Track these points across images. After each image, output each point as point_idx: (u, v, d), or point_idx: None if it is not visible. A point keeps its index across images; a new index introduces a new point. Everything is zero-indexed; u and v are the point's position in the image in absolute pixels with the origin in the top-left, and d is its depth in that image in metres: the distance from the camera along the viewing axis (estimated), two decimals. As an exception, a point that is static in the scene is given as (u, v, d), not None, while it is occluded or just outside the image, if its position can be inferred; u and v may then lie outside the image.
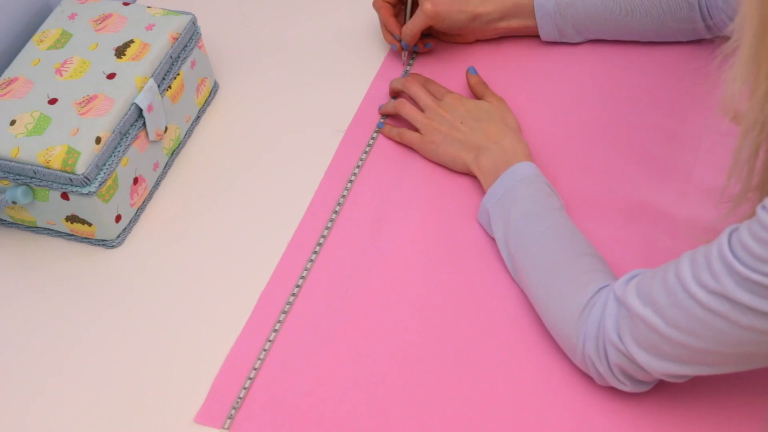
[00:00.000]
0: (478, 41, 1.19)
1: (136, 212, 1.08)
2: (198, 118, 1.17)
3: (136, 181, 1.05)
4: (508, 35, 1.18)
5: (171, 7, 1.15)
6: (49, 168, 0.98)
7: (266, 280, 1.01)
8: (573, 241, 0.91)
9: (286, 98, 1.18)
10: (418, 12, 1.13)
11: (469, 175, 1.05)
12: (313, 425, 0.89)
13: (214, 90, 1.19)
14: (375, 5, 1.17)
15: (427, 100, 1.09)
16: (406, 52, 1.17)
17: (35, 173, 0.99)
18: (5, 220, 1.08)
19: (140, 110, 1.04)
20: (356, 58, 1.22)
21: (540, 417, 0.88)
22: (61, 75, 1.06)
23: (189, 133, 1.15)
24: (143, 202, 1.08)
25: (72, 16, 1.12)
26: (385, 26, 1.18)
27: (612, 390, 0.88)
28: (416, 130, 1.09)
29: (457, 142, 1.05)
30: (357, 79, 1.19)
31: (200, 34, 1.13)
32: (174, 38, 1.09)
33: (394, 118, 1.14)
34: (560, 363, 0.90)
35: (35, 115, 1.02)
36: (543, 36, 1.16)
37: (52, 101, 1.03)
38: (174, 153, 1.13)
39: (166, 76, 1.08)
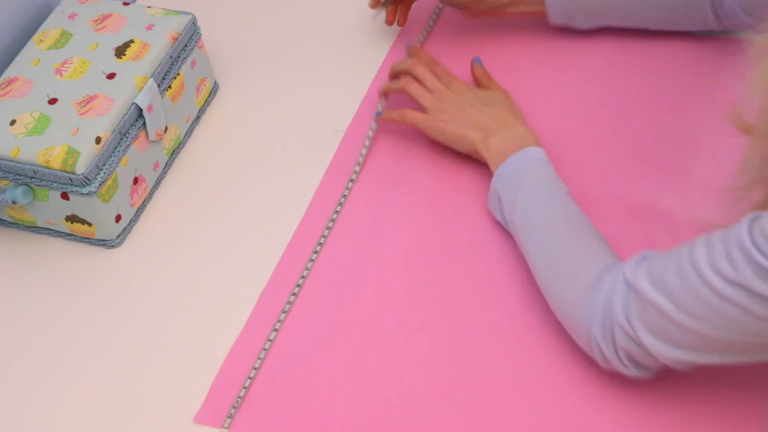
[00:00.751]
0: (485, 20, 1.17)
1: (136, 212, 1.08)
2: (198, 118, 1.17)
3: (136, 181, 1.05)
4: (516, 20, 1.17)
5: (171, 7, 1.15)
6: (49, 168, 0.98)
7: (266, 280, 1.01)
8: (579, 223, 0.91)
9: (286, 98, 1.18)
10: None
11: (475, 161, 1.05)
12: (312, 425, 0.89)
13: (214, 90, 1.19)
14: None
15: (435, 83, 1.08)
16: (385, 11, 1.17)
17: (35, 173, 0.99)
18: (5, 220, 1.08)
19: (140, 110, 1.04)
20: (356, 58, 1.22)
21: (543, 417, 0.88)
22: (61, 75, 1.06)
23: (189, 133, 1.15)
24: (143, 202, 1.08)
25: (72, 16, 1.12)
26: None
27: (614, 389, 0.88)
28: (422, 110, 1.08)
29: (466, 123, 1.04)
30: (357, 79, 1.19)
31: (200, 34, 1.13)
32: (174, 38, 1.09)
33: (394, 101, 1.13)
34: (565, 363, 0.90)
35: (35, 115, 1.02)
36: (551, 20, 1.15)
37: (52, 101, 1.03)
38: (174, 153, 1.13)
39: (166, 76, 1.08)
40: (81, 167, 0.98)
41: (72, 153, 0.98)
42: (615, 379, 0.87)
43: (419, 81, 1.09)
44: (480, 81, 1.12)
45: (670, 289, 0.76)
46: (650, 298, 0.77)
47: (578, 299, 0.85)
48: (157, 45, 1.07)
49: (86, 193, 0.98)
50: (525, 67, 1.16)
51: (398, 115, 1.09)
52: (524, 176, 0.96)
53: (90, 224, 1.03)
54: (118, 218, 1.04)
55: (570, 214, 0.92)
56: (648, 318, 0.78)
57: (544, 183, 0.95)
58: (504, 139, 1.00)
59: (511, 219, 0.96)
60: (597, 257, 0.87)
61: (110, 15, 1.12)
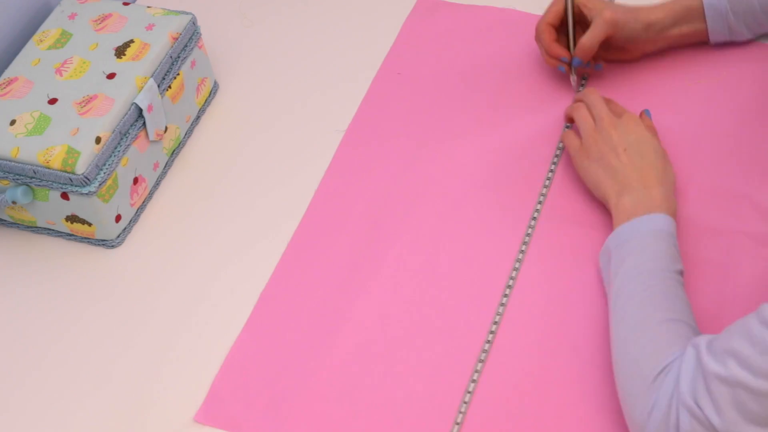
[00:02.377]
0: (644, 56, 1.14)
1: (136, 212, 1.08)
2: (198, 118, 1.17)
3: (136, 181, 1.05)
4: (676, 44, 1.13)
5: (171, 7, 1.15)
6: (49, 168, 0.98)
7: (266, 280, 1.01)
8: (675, 305, 0.85)
9: (286, 98, 1.19)
10: (597, 22, 1.07)
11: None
12: (312, 425, 0.89)
13: (214, 90, 1.19)
14: (537, 29, 1.11)
15: (602, 112, 1.02)
16: (576, 76, 1.12)
17: (35, 173, 0.99)
18: (5, 220, 1.08)
19: (140, 110, 1.04)
20: (356, 58, 1.22)
21: None
22: (61, 75, 1.06)
23: (189, 133, 1.15)
24: (143, 202, 1.08)
25: (72, 16, 1.12)
26: (548, 51, 1.11)
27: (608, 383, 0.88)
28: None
29: (609, 169, 0.98)
30: (357, 79, 1.19)
31: (200, 34, 1.13)
32: (174, 38, 1.09)
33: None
34: None
35: (35, 115, 1.02)
36: (713, 38, 1.12)
37: (52, 101, 1.03)
38: (174, 153, 1.13)
39: (166, 76, 1.08)
40: (81, 167, 0.98)
41: (72, 153, 0.98)
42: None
43: (589, 107, 1.04)
44: None
45: (742, 357, 0.71)
46: (719, 373, 0.73)
47: (644, 382, 0.80)
48: (157, 45, 1.08)
49: (86, 193, 0.99)
50: (692, 80, 1.13)
51: (562, 134, 1.06)
52: (638, 243, 0.91)
53: (90, 224, 1.03)
54: (118, 218, 1.04)
55: (668, 295, 0.86)
56: (718, 394, 0.73)
57: (655, 255, 0.89)
58: (635, 201, 0.94)
59: (613, 283, 0.90)
60: (676, 342, 0.81)
61: (110, 15, 1.12)
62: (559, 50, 1.10)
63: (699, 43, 1.13)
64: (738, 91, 1.11)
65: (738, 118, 1.08)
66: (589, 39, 1.08)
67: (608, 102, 1.06)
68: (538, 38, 1.13)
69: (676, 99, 1.11)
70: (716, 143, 1.06)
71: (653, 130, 1.03)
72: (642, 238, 0.91)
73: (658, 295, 0.86)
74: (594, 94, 1.05)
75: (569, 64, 1.11)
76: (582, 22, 1.11)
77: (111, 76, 1.05)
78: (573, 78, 1.12)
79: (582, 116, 1.04)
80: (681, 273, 0.90)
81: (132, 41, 1.08)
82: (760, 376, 0.71)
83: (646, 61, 1.14)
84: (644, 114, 1.05)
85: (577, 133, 1.04)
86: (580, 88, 1.13)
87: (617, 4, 1.09)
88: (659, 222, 0.92)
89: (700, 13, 1.10)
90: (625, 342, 0.84)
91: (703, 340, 0.77)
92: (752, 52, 1.14)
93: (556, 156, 1.07)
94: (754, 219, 0.99)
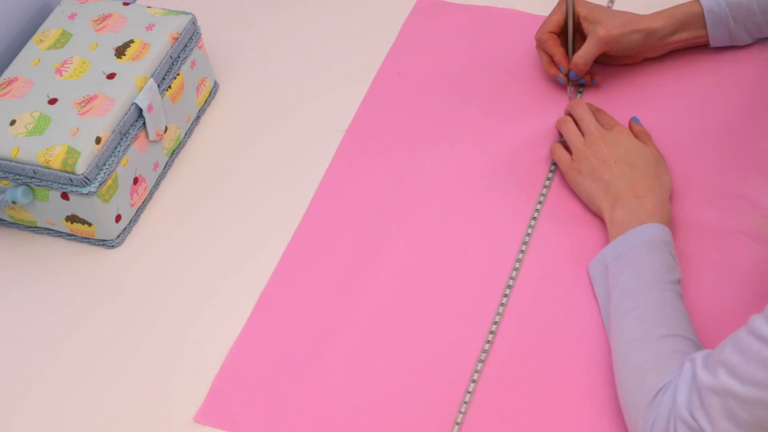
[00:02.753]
0: (645, 60, 1.14)
1: (136, 212, 1.08)
2: (198, 118, 1.17)
3: (136, 181, 1.05)
4: (677, 49, 1.13)
5: (171, 7, 1.16)
6: (49, 168, 0.98)
7: (266, 280, 1.01)
8: (673, 319, 0.86)
9: (286, 98, 1.19)
10: (591, 39, 1.08)
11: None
12: (312, 425, 0.89)
13: (214, 90, 1.19)
14: (539, 38, 1.12)
15: (590, 126, 1.02)
16: (572, 87, 1.12)
17: (35, 173, 0.99)
18: (5, 220, 1.08)
19: (140, 110, 1.04)
20: (356, 58, 1.22)
21: None
22: (61, 75, 1.06)
23: (189, 133, 1.15)
24: (143, 202, 1.09)
25: (72, 16, 1.12)
26: (550, 59, 1.12)
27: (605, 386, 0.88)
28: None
29: (601, 182, 0.99)
30: (357, 79, 1.19)
31: (200, 34, 1.13)
32: (174, 38, 1.09)
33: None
34: None
35: (35, 115, 1.02)
36: (713, 43, 1.12)
37: (52, 101, 1.03)
38: (174, 153, 1.13)
39: (166, 76, 1.08)
40: (81, 167, 0.98)
41: (72, 153, 0.98)
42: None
43: (578, 121, 1.04)
44: (638, 138, 1.03)
45: (730, 366, 0.72)
46: (710, 384, 0.74)
47: (645, 399, 0.80)
48: (157, 45, 1.08)
49: (86, 193, 0.99)
50: (694, 82, 1.13)
51: (550, 148, 1.06)
52: (633, 256, 0.91)
53: (90, 224, 1.03)
54: (118, 218, 1.04)
55: (666, 308, 0.86)
56: (710, 405, 0.74)
57: (652, 268, 0.89)
58: (628, 212, 0.95)
59: (612, 296, 0.91)
60: (677, 359, 0.81)
61: (110, 15, 1.12)
62: (560, 61, 1.11)
63: (699, 46, 1.14)
64: (738, 90, 1.11)
65: (738, 117, 1.08)
66: (582, 57, 1.09)
67: (598, 113, 1.06)
68: (540, 47, 1.13)
69: (676, 99, 1.11)
70: (716, 143, 1.06)
71: (646, 135, 1.03)
72: (636, 250, 0.91)
73: (656, 309, 0.86)
74: (581, 106, 1.05)
75: (567, 75, 1.11)
76: (582, 31, 1.11)
77: (111, 76, 1.05)
78: (570, 89, 1.13)
79: (570, 131, 1.04)
80: (678, 282, 0.90)
81: (132, 41, 1.08)
82: (747, 384, 0.71)
83: (646, 62, 1.14)
84: (633, 122, 1.05)
85: (566, 146, 1.04)
86: (578, 95, 1.13)
87: (616, 16, 1.09)
88: (652, 232, 0.92)
89: (700, 20, 1.10)
90: (626, 357, 0.85)
91: (699, 356, 0.78)
92: (751, 52, 1.14)
93: None
94: (754, 219, 0.99)
